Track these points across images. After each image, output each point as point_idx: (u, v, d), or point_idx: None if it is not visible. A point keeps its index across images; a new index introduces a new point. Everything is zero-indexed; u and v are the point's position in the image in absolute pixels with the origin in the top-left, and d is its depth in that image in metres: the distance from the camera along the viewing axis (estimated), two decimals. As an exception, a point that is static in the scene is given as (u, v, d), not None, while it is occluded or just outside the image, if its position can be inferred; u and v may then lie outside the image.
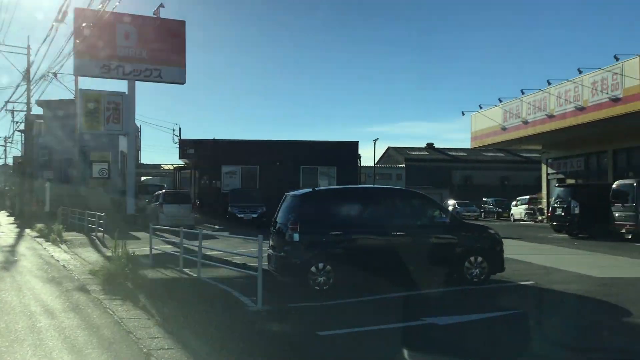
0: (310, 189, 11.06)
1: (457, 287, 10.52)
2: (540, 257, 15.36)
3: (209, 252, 13.21)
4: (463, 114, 38.51)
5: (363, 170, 72.37)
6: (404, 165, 73.84)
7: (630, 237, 19.66)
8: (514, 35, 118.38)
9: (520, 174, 72.24)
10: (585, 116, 27.74)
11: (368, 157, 77.26)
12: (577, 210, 21.69)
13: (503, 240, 11.48)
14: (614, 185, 20.80)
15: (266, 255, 11.19)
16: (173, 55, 30.00)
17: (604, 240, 20.73)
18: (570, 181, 34.22)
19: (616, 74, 25.43)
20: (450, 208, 53.66)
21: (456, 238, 10.82)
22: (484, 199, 56.71)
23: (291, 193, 11.19)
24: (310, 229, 10.25)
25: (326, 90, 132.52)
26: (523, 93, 31.32)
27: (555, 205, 23.17)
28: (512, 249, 16.00)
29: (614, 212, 20.35)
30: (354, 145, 35.55)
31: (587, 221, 21.55)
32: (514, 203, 44.92)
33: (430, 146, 79.96)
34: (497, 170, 75.02)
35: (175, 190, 36.46)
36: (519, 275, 11.96)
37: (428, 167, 73.77)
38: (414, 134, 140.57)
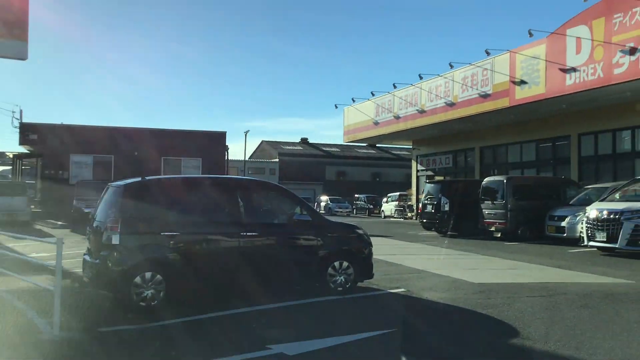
0: (139, 179, 8.76)
1: (317, 298, 8.74)
2: (411, 258, 14.12)
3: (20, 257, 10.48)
4: (336, 107, 37.53)
5: (235, 164, 70.19)
6: (277, 159, 72.25)
7: (499, 235, 19.16)
8: (389, 26, 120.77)
9: (392, 171, 73.51)
10: (455, 112, 27.47)
11: (241, 151, 76.58)
12: (447, 207, 21.01)
13: (373, 239, 9.90)
14: (483, 182, 20.31)
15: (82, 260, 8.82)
16: (13, 27, 25.98)
17: (474, 238, 20.19)
18: (440, 178, 34.22)
19: (486, 69, 25.24)
20: (322, 204, 52.99)
21: (319, 239, 9.03)
22: (356, 195, 56.56)
23: (114, 184, 8.85)
24: (136, 228, 8.02)
25: (201, 82, 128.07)
26: (395, 87, 30.69)
27: (425, 202, 22.44)
28: (382, 249, 14.72)
29: (483, 210, 19.80)
30: (221, 136, 33.17)
31: (457, 218, 20.94)
32: (384, 200, 44.77)
33: (304, 141, 79.10)
34: (369, 166, 75.78)
35: (7, 181, 32.08)
36: (388, 280, 10.45)
37: (302, 162, 72.87)
38: (291, 130, 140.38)
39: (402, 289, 9.63)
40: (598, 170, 24.23)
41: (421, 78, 28.29)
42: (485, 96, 25.33)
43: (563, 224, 17.27)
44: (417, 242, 19.28)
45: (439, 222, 21.39)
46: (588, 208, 15.13)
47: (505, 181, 19.13)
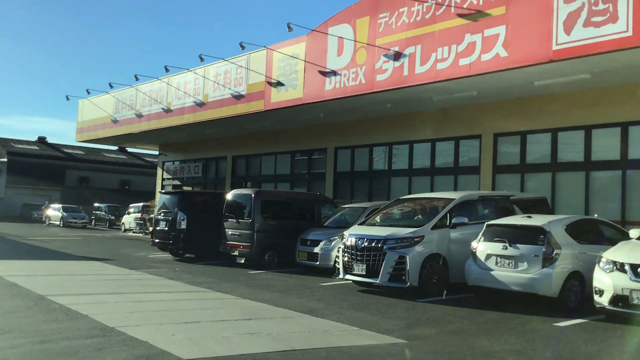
0: None
1: None
2: (113, 301, 9.84)
3: None
4: (68, 99, 31.31)
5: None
6: (5, 159, 61.25)
7: (243, 261, 15.73)
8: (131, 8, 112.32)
9: (144, 179, 66.98)
10: (205, 113, 23.75)
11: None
12: (183, 225, 17.02)
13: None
14: (228, 196, 16.75)
15: None
16: None
17: (215, 263, 16.53)
18: (187, 188, 30.15)
19: (241, 67, 21.97)
20: (57, 213, 45.21)
21: None
22: (95, 205, 49.69)
23: None
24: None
25: None
26: (138, 79, 25.93)
27: (159, 217, 18.17)
28: (84, 284, 11.03)
29: (226, 229, 16.23)
30: None
31: (196, 238, 17.09)
32: (127, 211, 39.15)
33: (42, 140, 68.84)
34: (118, 173, 68.49)
35: None
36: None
37: (38, 163, 62.90)
38: (33, 130, 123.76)
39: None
40: (354, 187, 22.45)
41: (167, 70, 24.02)
42: (238, 97, 22.04)
43: (316, 250, 14.45)
44: (141, 268, 14.94)
45: (173, 241, 17.28)
46: (345, 233, 12.38)
47: (253, 195, 15.80)
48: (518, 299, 10.48)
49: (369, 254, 11.46)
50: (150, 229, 32.70)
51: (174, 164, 32.33)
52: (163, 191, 18.52)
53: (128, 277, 13.43)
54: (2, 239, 23.90)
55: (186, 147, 30.78)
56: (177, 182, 31.64)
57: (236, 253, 15.79)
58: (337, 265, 12.54)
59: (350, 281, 12.28)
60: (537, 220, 10.51)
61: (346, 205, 16.49)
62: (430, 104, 18.23)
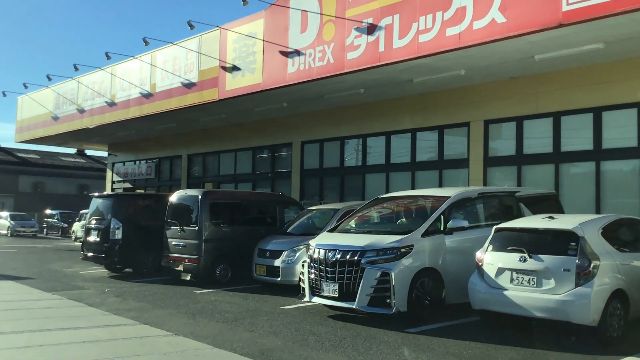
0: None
1: None
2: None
3: None
4: (4, 95, 27.89)
5: None
6: (-49, 164, 57.08)
7: (189, 277, 12.90)
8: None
9: (104, 184, 63.57)
10: (152, 105, 20.83)
11: None
12: (118, 234, 14.10)
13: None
14: (170, 199, 13.88)
15: None
16: None
17: (156, 280, 13.69)
18: (140, 191, 27.10)
19: (192, 50, 19.13)
20: (4, 222, 41.55)
21: None
22: (47, 212, 46.11)
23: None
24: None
25: None
26: (77, 69, 22.83)
27: (90, 225, 15.18)
28: None
29: (169, 239, 13.39)
30: None
31: (135, 250, 14.24)
32: (78, 217, 35.76)
33: (-7, 145, 64.53)
34: (76, 177, 64.66)
35: None
36: None
37: (-13, 169, 58.81)
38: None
39: None
40: (324, 186, 19.76)
41: (109, 58, 21.02)
42: (189, 86, 19.19)
43: (277, 262, 11.68)
44: (62, 290, 12.05)
45: (106, 255, 14.35)
46: (312, 242, 9.68)
47: (200, 197, 12.97)
48: (541, 326, 7.93)
49: (342, 270, 8.79)
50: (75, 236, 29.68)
51: (124, 164, 29.25)
52: (96, 194, 15.54)
53: (35, 305, 10.51)
54: None
55: (137, 145, 27.75)
56: (128, 185, 28.57)
57: (180, 268, 12.95)
58: (302, 285, 9.82)
59: (320, 304, 9.59)
60: (564, 221, 7.96)
61: (314, 207, 13.74)
62: (410, 87, 15.69)
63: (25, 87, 26.34)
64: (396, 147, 17.58)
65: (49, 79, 24.70)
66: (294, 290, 11.09)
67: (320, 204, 17.04)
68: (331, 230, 10.28)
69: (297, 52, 15.55)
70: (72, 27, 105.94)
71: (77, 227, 33.66)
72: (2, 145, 65.46)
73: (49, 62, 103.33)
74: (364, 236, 9.34)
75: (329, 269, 8.92)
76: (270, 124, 21.15)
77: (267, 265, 11.79)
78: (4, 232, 40.44)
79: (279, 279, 11.56)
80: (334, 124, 19.00)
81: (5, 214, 42.98)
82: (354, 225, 10.29)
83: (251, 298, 11.25)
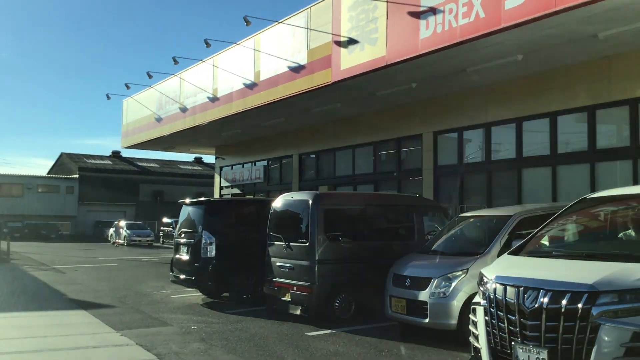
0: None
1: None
2: None
3: None
4: (108, 98, 26.41)
5: (19, 180, 55.67)
6: (77, 175, 58.61)
7: (299, 312, 9.53)
8: None
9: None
10: (255, 97, 17.93)
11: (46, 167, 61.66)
12: (211, 251, 11.04)
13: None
14: (274, 205, 10.61)
15: None
16: None
17: (257, 311, 10.52)
18: (250, 196, 24.47)
19: (299, 27, 15.99)
20: (122, 232, 41.13)
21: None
22: (164, 220, 45.37)
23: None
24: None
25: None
26: (177, 62, 20.48)
27: (179, 240, 12.30)
28: None
29: (272, 259, 10.13)
30: None
31: (232, 271, 11.15)
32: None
33: (116, 155, 65.95)
34: (193, 185, 64.39)
35: None
36: None
37: (110, 179, 59.95)
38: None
39: None
40: (465, 186, 15.80)
41: (208, 46, 18.36)
42: (297, 69, 16.06)
43: (423, 296, 7.95)
44: (140, 325, 9.20)
45: (197, 277, 11.33)
46: (486, 272, 5.89)
47: (311, 202, 9.59)
48: None
49: (553, 325, 4.96)
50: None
51: (232, 168, 26.82)
52: (187, 201, 12.62)
53: (91, 355, 7.59)
54: (12, 271, 19.02)
55: (244, 147, 25.17)
56: (236, 191, 26.09)
57: (288, 298, 9.63)
58: (472, 342, 6.05)
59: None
60: None
61: (469, 214, 9.84)
62: (593, 45, 11.48)
63: (128, 87, 24.61)
64: (567, 131, 13.31)
65: (150, 76, 22.69)
66: (452, 339, 7.39)
67: (481, 207, 13.05)
68: (514, 252, 6.43)
69: (433, 10, 11.84)
70: (168, 19, 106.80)
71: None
72: (123, 156, 66.94)
73: (150, 62, 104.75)
74: (582, 264, 5.45)
75: (527, 322, 5.13)
76: (394, 112, 17.53)
77: (408, 299, 8.13)
78: (121, 241, 39.90)
79: (426, 320, 7.85)
80: (478, 106, 15.04)
81: (123, 222, 42.56)
82: (546, 245, 6.41)
83: (388, 350, 7.67)
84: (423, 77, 14.17)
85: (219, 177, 27.90)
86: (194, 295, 12.54)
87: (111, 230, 42.99)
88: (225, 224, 11.53)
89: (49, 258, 23.96)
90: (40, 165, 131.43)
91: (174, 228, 42.71)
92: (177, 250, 12.21)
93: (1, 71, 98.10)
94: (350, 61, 14.13)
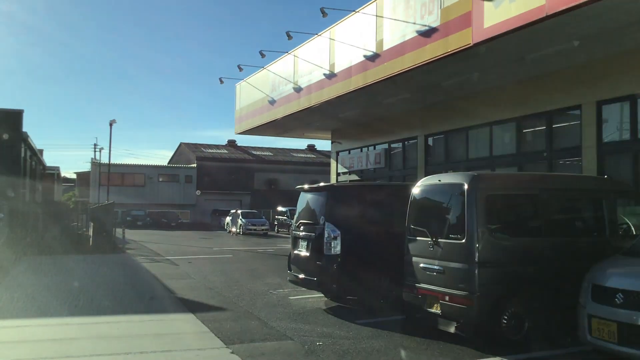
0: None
1: None
2: None
3: None
4: (221, 82, 25.35)
5: (134, 169, 57.32)
6: (194, 165, 59.61)
7: (453, 329, 7.34)
8: None
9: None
10: (379, 69, 15.82)
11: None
12: (335, 247, 9.11)
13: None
14: (414, 191, 8.45)
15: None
16: None
17: (395, 322, 8.49)
18: (343, 181, 22.45)
19: (430, -16, 13.65)
20: (236, 220, 40.72)
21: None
22: (278, 208, 44.58)
23: None
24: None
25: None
26: (291, 37, 18.77)
27: (297, 233, 10.44)
28: None
29: (413, 258, 8.01)
30: (13, 117, 20.54)
31: (361, 271, 9.14)
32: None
33: (231, 144, 66.58)
34: (307, 173, 63.48)
35: None
36: None
37: (226, 167, 60.48)
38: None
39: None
40: (639, 168, 12.79)
41: (325, 15, 16.47)
42: (428, 33, 13.73)
43: (647, 319, 5.55)
44: (254, 339, 7.52)
45: (319, 278, 9.43)
46: None
47: (466, 186, 7.34)
48: None
49: None
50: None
51: (349, 153, 24.88)
52: (305, 187, 10.76)
53: None
54: (125, 262, 18.29)
55: (363, 129, 23.12)
56: (354, 177, 24.15)
57: (437, 309, 7.48)
58: None
59: None
60: None
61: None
62: None
63: (240, 69, 23.32)
64: None
65: (263, 55, 21.16)
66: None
67: None
68: None
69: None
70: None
71: (303, 226, 30.53)
72: (239, 145, 67.42)
73: (262, 42, 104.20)
74: None
75: None
76: (545, 80, 14.72)
77: (620, 322, 5.71)
78: (237, 230, 39.44)
79: (653, 355, 5.42)
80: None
81: (238, 212, 42.12)
82: None
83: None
84: (591, 31, 11.38)
85: (335, 163, 26.09)
86: (316, 298, 10.71)
87: (227, 219, 42.81)
88: (353, 214, 9.52)
89: (165, 248, 23.38)
90: (162, 157, 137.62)
91: (288, 217, 41.82)
92: (295, 244, 10.38)
93: (140, 69, 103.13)
94: (497, 16, 11.61)
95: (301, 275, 9.93)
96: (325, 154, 68.54)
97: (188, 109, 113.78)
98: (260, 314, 9.36)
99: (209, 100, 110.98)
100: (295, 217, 10.70)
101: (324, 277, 9.28)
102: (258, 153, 66.02)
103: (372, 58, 16.06)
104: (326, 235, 9.23)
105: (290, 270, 10.37)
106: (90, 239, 22.31)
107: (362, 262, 9.19)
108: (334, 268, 9.17)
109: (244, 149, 66.58)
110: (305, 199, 10.46)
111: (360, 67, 16.61)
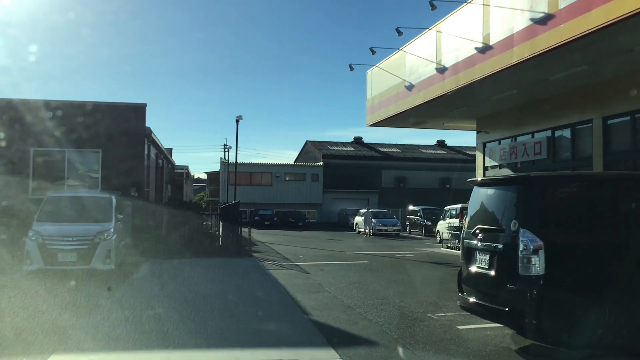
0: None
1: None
2: None
3: None
4: (352, 69, 23.04)
5: (270, 169, 56.84)
6: (321, 163, 58.19)
7: None
8: None
9: (466, 176, 56.89)
10: (551, 34, 12.66)
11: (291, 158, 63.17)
12: (536, 264, 6.29)
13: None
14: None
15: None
16: None
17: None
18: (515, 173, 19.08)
19: None
20: (361, 219, 38.43)
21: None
22: (410, 208, 41.74)
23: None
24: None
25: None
26: (434, 7, 15.98)
27: (472, 242, 7.64)
28: None
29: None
30: (135, 111, 19.49)
31: (581, 301, 6.19)
32: (443, 215, 29.41)
33: (357, 141, 64.66)
34: (437, 170, 60.22)
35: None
36: None
37: (352, 165, 58.54)
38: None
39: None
40: None
41: (479, -26, 13.59)
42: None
43: None
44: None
45: (511, 309, 6.60)
46: None
47: None
48: None
49: None
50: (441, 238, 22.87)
51: (499, 143, 21.53)
52: (480, 180, 7.98)
53: None
54: (251, 269, 16.43)
55: (517, 114, 19.75)
56: (506, 171, 20.81)
57: None
58: None
59: None
60: None
61: None
62: None
63: (373, 52, 20.89)
64: None
65: (400, 33, 18.55)
66: None
67: None
68: None
69: None
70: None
71: (441, 227, 27.49)
72: (365, 141, 65.24)
73: (396, 19, 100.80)
74: None
75: None
76: None
77: None
78: (363, 229, 36.97)
79: None
80: None
81: (365, 211, 39.55)
82: None
83: None
84: None
85: (481, 155, 22.81)
86: (496, 329, 7.91)
87: (357, 219, 40.44)
88: (561, 217, 6.61)
89: (294, 250, 21.47)
90: (288, 156, 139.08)
91: (421, 217, 38.80)
92: (468, 258, 7.61)
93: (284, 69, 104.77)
94: None
95: (480, 302, 7.17)
96: (457, 150, 64.39)
97: (314, 108, 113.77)
98: (425, 355, 6.76)
99: (336, 98, 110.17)
100: (467, 220, 7.89)
101: (517, 309, 6.45)
102: (385, 150, 63.45)
103: (542, 21, 12.89)
104: (521, 247, 6.41)
105: (463, 293, 7.63)
106: (220, 239, 21.03)
107: (578, 287, 6.27)
108: (535, 295, 6.31)
109: (371, 146, 64.32)
110: (482, 196, 7.65)
111: (527, 33, 13.48)
